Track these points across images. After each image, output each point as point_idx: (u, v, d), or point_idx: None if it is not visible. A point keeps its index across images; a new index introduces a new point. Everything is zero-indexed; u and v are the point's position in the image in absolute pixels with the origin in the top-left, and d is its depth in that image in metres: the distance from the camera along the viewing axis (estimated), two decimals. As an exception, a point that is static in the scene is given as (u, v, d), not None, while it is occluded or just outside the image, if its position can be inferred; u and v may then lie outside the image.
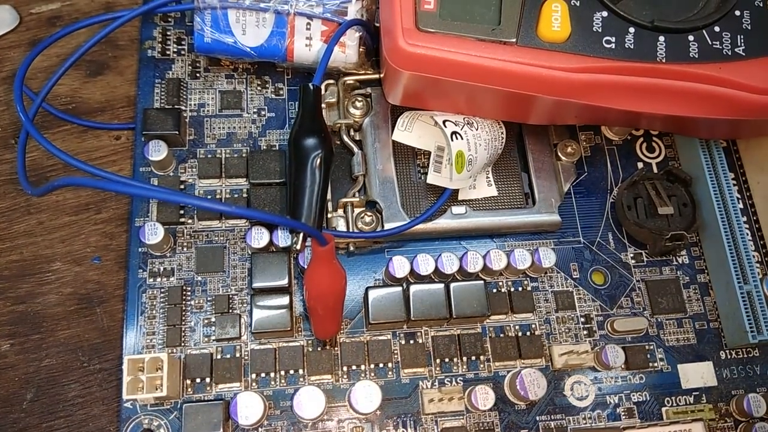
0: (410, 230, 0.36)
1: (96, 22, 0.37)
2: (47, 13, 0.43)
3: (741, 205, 0.38)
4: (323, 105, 0.36)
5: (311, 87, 0.34)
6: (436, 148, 0.36)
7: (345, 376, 0.35)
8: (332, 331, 0.34)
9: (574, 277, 0.38)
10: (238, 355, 0.35)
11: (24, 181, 0.34)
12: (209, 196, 0.37)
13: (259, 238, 0.35)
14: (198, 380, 0.34)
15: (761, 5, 0.32)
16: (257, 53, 0.37)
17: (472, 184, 0.37)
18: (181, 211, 0.37)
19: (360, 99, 0.38)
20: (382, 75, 0.37)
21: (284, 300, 0.34)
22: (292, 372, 0.35)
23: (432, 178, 0.36)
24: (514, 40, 0.31)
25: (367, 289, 0.35)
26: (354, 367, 0.35)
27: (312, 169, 0.33)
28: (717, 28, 0.32)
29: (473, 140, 0.35)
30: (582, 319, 0.37)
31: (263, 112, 0.40)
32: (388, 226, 0.36)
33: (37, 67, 0.41)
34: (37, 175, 0.39)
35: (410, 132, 0.37)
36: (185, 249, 0.36)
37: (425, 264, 0.36)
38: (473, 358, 0.36)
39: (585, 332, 0.37)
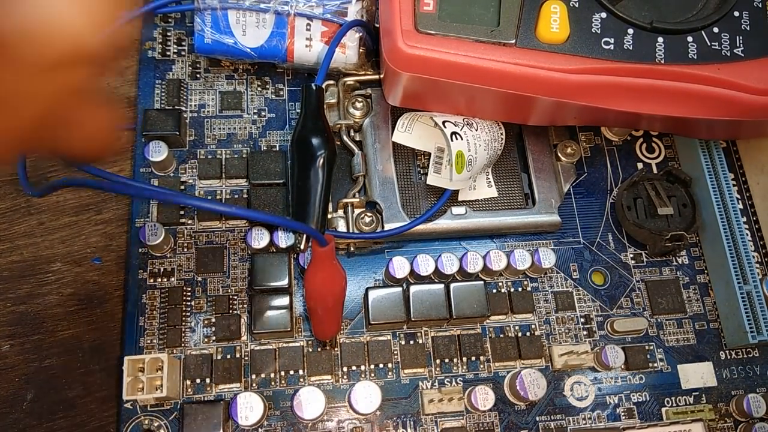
0: (410, 231, 0.36)
1: (96, 23, 0.37)
2: (48, 14, 0.43)
3: (740, 206, 0.38)
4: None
5: (314, 87, 0.34)
6: (435, 149, 0.36)
7: (345, 377, 0.35)
8: (332, 331, 0.34)
9: (573, 277, 0.38)
10: (238, 355, 0.35)
11: (24, 182, 0.34)
12: (209, 197, 0.37)
13: (259, 238, 0.35)
14: (198, 381, 0.34)
15: (760, 6, 0.32)
16: (257, 54, 0.37)
17: (472, 185, 0.37)
18: (182, 212, 0.37)
19: (360, 100, 0.38)
20: (381, 76, 0.37)
21: (284, 300, 0.34)
22: (292, 372, 0.35)
23: (432, 179, 0.36)
24: (513, 41, 0.31)
25: (367, 289, 0.35)
26: (354, 368, 0.35)
27: (315, 169, 0.33)
28: (716, 29, 0.32)
29: (473, 141, 0.35)
30: (582, 320, 0.37)
31: (263, 113, 0.40)
32: (388, 226, 0.36)
33: (37, 68, 0.41)
34: (37, 175, 0.39)
35: (410, 133, 0.37)
36: (185, 249, 0.36)
37: (425, 264, 0.36)
38: (473, 358, 0.36)
39: (585, 332, 0.37)
